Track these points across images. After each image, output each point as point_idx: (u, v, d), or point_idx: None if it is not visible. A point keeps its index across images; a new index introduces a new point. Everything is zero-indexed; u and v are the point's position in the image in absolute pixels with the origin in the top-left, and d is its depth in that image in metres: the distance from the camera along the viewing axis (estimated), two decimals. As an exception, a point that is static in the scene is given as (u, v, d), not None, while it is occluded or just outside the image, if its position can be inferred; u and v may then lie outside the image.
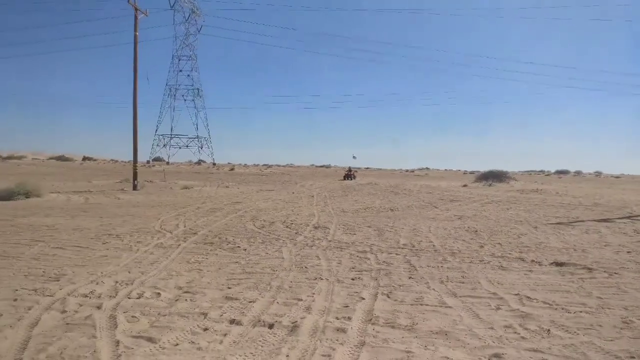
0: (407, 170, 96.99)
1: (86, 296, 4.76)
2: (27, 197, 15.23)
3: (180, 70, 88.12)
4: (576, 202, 18.50)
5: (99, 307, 4.38)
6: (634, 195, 23.55)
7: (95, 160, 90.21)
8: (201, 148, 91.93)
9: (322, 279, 5.65)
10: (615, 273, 6.16)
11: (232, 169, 66.01)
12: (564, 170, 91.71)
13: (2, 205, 13.40)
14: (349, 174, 39.36)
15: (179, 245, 7.86)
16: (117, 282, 5.35)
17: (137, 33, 22.57)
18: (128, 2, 21.83)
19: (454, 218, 12.52)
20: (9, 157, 76.51)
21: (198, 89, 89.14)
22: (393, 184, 32.20)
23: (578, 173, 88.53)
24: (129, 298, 4.72)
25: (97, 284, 5.24)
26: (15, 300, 4.58)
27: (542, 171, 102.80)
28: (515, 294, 5.09)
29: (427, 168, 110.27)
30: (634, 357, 3.40)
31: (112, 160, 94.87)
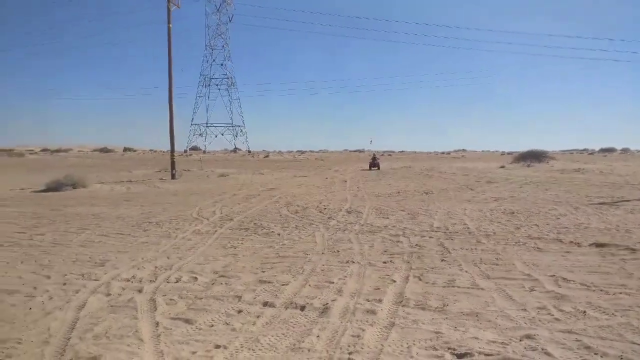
0: (442, 153, 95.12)
1: (128, 280, 5.03)
2: (74, 188, 16.08)
3: (214, 60, 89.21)
4: (622, 181, 17.66)
5: (140, 291, 4.63)
6: (687, 173, 22.22)
7: (135, 150, 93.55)
8: (236, 136, 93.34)
9: (353, 262, 5.71)
10: (660, 254, 5.90)
11: (266, 156, 66.81)
12: (609, 148, 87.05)
13: (52, 196, 14.19)
14: (374, 163, 31.29)
15: (216, 231, 8.11)
16: (156, 267, 5.61)
17: (171, 25, 23.03)
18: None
19: (490, 200, 12.25)
20: (57, 151, 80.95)
21: (231, 78, 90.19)
22: (428, 167, 31.72)
23: (625, 151, 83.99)
24: (167, 282, 4.95)
25: (138, 269, 5.52)
26: (65, 284, 4.90)
27: (585, 150, 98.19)
28: (551, 276, 4.97)
29: (463, 150, 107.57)
30: (675, 339, 3.28)
31: (151, 150, 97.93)
